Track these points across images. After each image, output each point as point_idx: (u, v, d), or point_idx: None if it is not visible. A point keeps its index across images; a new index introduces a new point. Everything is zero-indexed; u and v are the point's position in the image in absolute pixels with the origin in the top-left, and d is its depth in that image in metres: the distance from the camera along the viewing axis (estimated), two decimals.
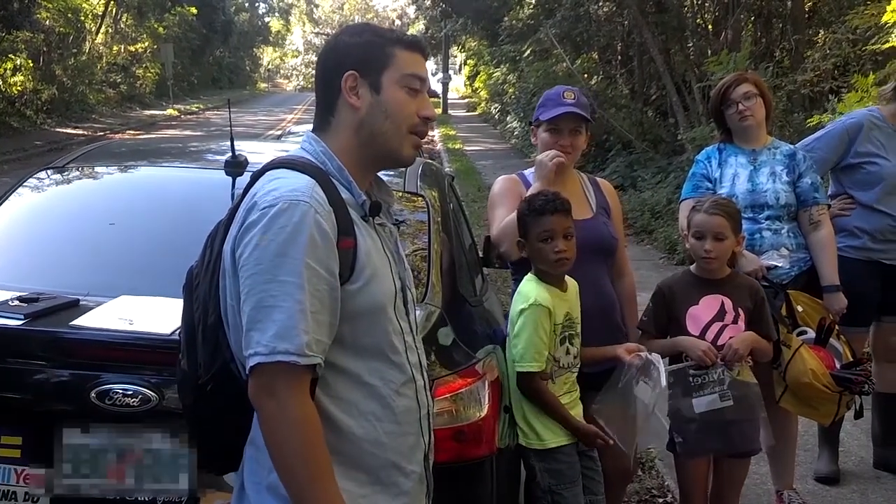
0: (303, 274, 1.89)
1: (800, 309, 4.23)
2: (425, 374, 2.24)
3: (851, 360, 4.18)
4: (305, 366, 1.89)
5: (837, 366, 4.11)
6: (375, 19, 76.03)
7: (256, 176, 2.09)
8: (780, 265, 4.27)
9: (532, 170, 3.89)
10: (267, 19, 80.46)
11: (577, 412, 3.42)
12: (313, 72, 2.28)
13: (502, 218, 3.68)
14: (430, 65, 60.23)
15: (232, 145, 2.87)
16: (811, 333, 4.19)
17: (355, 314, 2.00)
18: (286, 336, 1.87)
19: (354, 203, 2.08)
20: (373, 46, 2.13)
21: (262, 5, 78.31)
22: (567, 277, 3.46)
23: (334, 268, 1.95)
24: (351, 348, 2.02)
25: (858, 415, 4.28)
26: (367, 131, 2.12)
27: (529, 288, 3.38)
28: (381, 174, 2.29)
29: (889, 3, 7.65)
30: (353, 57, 2.12)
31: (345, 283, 1.98)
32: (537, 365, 3.26)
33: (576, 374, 3.44)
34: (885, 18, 8.10)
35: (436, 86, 43.82)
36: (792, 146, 4.61)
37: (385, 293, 2.08)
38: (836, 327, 4.26)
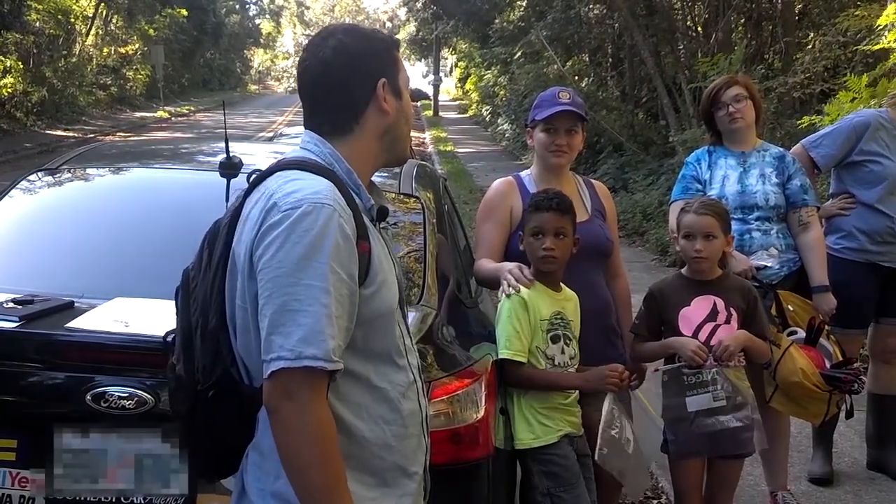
0: (328, 278, 1.86)
1: (790, 308, 4.25)
2: (422, 376, 2.25)
3: (841, 359, 4.19)
4: (329, 371, 1.87)
5: (827, 365, 4.13)
6: (366, 21, 76.12)
7: (263, 176, 2.05)
8: (769, 265, 4.29)
9: (528, 171, 3.90)
10: (258, 21, 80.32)
11: (576, 413, 3.42)
12: None
13: (487, 237, 3.73)
14: (421, 66, 60.46)
15: (227, 146, 2.86)
16: (801, 333, 4.21)
17: (369, 318, 1.99)
18: (313, 341, 1.83)
19: (363, 208, 2.06)
20: (386, 52, 2.13)
21: (252, 7, 78.23)
22: (566, 288, 3.48)
23: (355, 272, 1.93)
24: (361, 352, 2.00)
25: (849, 414, 4.29)
26: (391, 136, 2.14)
27: None
28: (376, 177, 2.27)
29: (882, 6, 7.67)
30: (379, 63, 2.12)
31: (360, 286, 1.96)
32: (509, 353, 3.26)
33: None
34: (880, 21, 8.13)
35: (427, 88, 43.86)
36: (781, 149, 4.64)
37: (393, 297, 2.08)
38: (826, 327, 4.28)
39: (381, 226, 2.17)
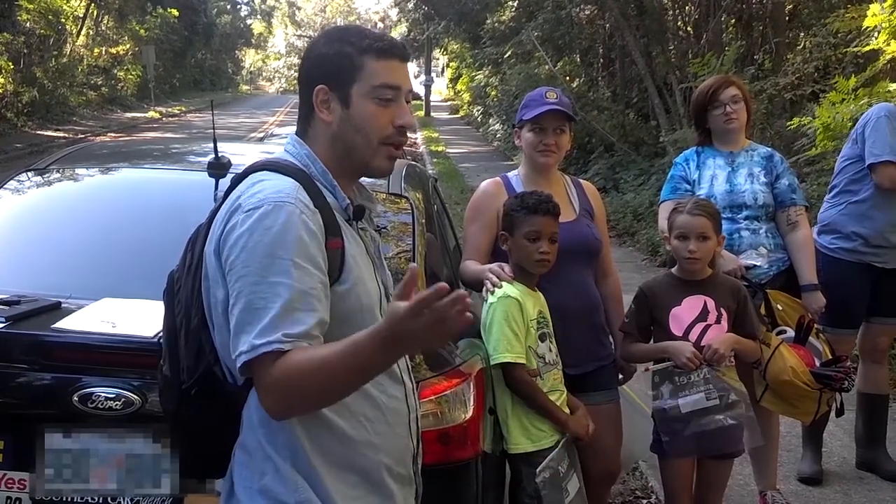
0: (293, 274, 1.87)
1: (779, 308, 4.26)
2: (412, 377, 2.25)
3: (831, 357, 4.20)
4: (285, 351, 1.86)
5: (817, 364, 4.14)
6: (358, 22, 76.00)
7: (238, 179, 2.08)
8: (758, 264, 4.30)
9: (515, 172, 3.91)
10: (249, 21, 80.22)
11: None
12: (296, 74, 2.25)
13: (473, 238, 3.74)
14: (413, 67, 60.27)
15: (215, 147, 2.86)
16: (790, 332, 4.22)
17: (345, 316, 1.99)
18: (267, 332, 1.85)
19: (338, 207, 2.07)
20: (343, 58, 2.08)
21: (244, 7, 78.13)
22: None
23: (323, 266, 1.94)
24: None
25: (839, 412, 4.31)
26: (341, 144, 2.10)
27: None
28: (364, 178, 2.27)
29: (869, 7, 7.70)
30: (324, 69, 2.10)
31: (333, 283, 1.97)
32: (511, 356, 3.25)
33: (561, 371, 3.44)
34: (866, 23, 8.14)
35: (418, 88, 43.85)
36: (769, 148, 4.63)
37: (370, 296, 2.08)
38: (816, 326, 4.29)
39: (360, 226, 2.17)
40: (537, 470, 3.25)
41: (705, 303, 3.75)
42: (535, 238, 3.38)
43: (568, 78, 21.70)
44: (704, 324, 3.73)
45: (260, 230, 1.89)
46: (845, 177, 4.87)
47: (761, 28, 15.38)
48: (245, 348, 1.85)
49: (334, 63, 2.09)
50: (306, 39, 76.30)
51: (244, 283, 1.88)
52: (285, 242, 1.89)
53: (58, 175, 3.99)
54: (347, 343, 1.81)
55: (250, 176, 2.05)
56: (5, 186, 3.79)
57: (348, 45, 2.09)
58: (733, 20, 16.13)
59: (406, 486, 2.18)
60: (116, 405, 2.59)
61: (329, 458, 1.99)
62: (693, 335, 3.71)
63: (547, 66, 21.00)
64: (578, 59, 23.19)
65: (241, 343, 1.86)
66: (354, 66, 2.08)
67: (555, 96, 3.72)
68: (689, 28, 16.93)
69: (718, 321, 3.74)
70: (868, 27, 8.34)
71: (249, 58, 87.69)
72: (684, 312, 3.76)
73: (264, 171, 2.04)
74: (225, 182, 2.40)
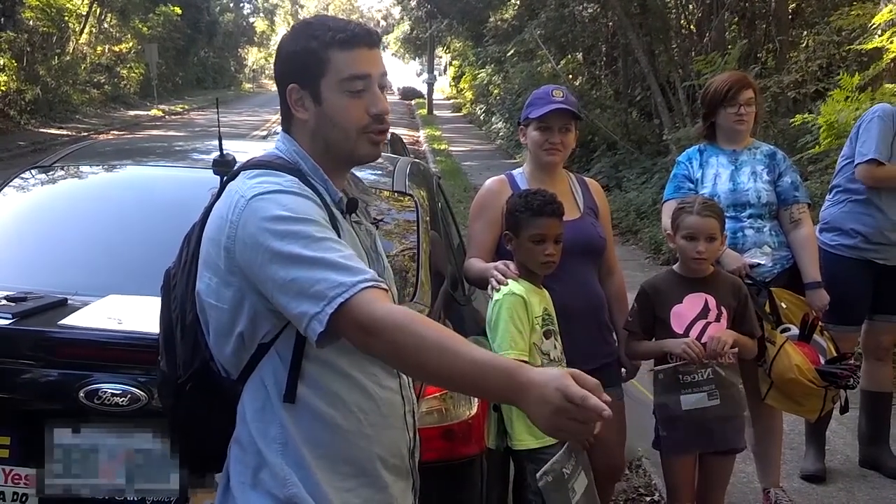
0: (318, 245, 1.88)
1: (783, 306, 4.27)
2: None
3: (835, 355, 4.21)
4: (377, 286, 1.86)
5: (822, 361, 4.14)
6: (361, 20, 75.82)
7: (232, 176, 2.08)
8: (763, 263, 4.31)
9: (520, 170, 3.91)
10: (252, 20, 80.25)
11: None
12: None
13: (478, 236, 3.74)
14: (416, 65, 60.10)
15: (220, 144, 2.85)
16: (795, 330, 4.23)
17: None
18: (354, 273, 1.86)
19: (331, 201, 2.08)
20: (308, 54, 2.06)
21: (246, 6, 78.07)
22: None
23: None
24: None
25: (844, 410, 4.30)
26: (321, 140, 2.10)
27: None
28: (369, 175, 2.28)
29: (876, 5, 7.70)
30: (293, 68, 2.09)
31: None
32: (515, 353, 3.24)
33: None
34: (876, 20, 8.14)
35: (421, 87, 43.79)
36: (772, 146, 4.63)
37: None
38: (820, 323, 4.29)
39: (354, 219, 2.18)
40: (538, 475, 3.23)
41: (706, 301, 3.76)
42: (541, 240, 3.37)
43: (571, 76, 21.72)
44: (705, 321, 3.75)
45: (278, 204, 1.92)
46: (845, 175, 4.88)
47: (764, 26, 15.37)
48: (335, 292, 1.81)
49: (301, 60, 2.07)
50: None
51: (277, 273, 1.87)
52: (310, 208, 1.94)
53: (63, 172, 4.00)
54: (476, 346, 1.81)
55: (245, 173, 2.05)
56: (10, 184, 3.80)
57: (313, 41, 2.07)
58: (736, 18, 16.11)
59: (403, 480, 2.18)
60: (123, 401, 2.60)
61: (321, 449, 1.99)
62: (694, 333, 3.72)
63: (550, 65, 21.01)
64: (581, 58, 23.22)
65: (327, 287, 1.83)
66: (321, 60, 2.05)
67: (561, 95, 3.72)
68: (692, 26, 16.91)
69: (718, 319, 3.75)
70: (873, 24, 8.34)
71: (252, 56, 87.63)
72: (685, 310, 3.77)
73: (258, 169, 2.05)
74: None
